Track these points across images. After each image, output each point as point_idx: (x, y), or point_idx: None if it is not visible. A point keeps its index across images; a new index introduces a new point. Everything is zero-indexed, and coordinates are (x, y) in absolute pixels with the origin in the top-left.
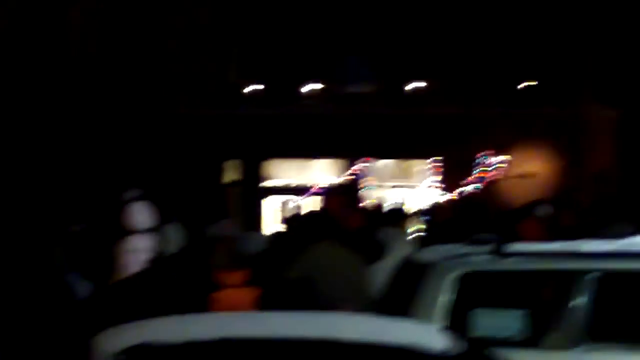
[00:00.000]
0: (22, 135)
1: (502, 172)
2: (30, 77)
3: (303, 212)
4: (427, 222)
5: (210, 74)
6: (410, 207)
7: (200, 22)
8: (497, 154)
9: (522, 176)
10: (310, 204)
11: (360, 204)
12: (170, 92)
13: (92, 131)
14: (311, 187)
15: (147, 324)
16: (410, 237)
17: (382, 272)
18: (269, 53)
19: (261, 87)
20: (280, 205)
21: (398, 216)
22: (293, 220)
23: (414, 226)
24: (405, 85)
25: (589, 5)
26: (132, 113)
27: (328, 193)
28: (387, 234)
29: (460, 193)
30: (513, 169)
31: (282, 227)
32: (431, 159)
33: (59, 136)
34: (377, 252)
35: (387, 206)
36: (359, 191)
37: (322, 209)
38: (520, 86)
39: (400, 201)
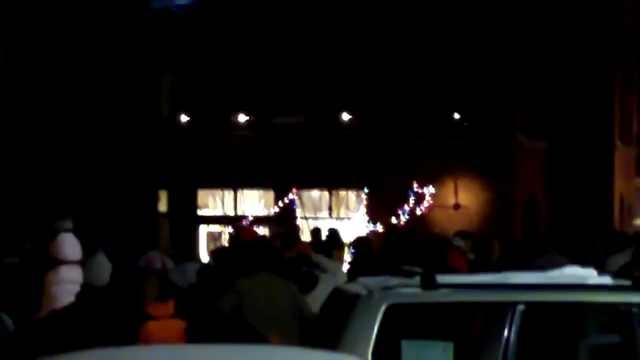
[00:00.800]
0: None
1: (432, 203)
2: None
3: (234, 242)
4: (357, 252)
5: (141, 104)
6: (341, 238)
7: (131, 54)
8: (427, 185)
9: (452, 207)
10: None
11: (292, 234)
12: (99, 122)
13: (19, 162)
14: (242, 217)
15: (75, 356)
16: (341, 267)
17: (315, 301)
18: (200, 84)
19: (191, 118)
20: (211, 235)
21: (329, 246)
22: (224, 251)
23: (345, 257)
24: (335, 116)
25: (518, 39)
26: (61, 143)
27: (259, 223)
28: (319, 264)
29: (390, 224)
30: (443, 200)
31: (213, 258)
32: (361, 190)
33: None
34: (310, 282)
35: (318, 236)
36: (290, 221)
37: (253, 239)
38: (450, 118)
39: (331, 232)
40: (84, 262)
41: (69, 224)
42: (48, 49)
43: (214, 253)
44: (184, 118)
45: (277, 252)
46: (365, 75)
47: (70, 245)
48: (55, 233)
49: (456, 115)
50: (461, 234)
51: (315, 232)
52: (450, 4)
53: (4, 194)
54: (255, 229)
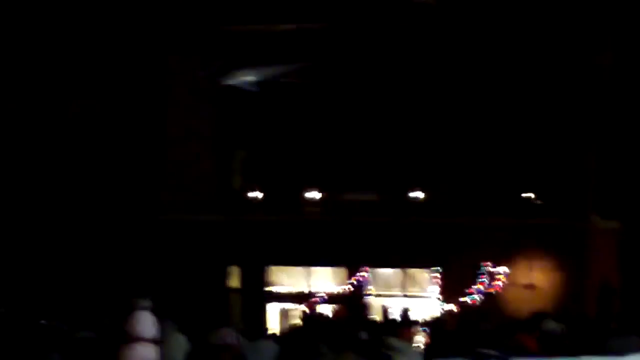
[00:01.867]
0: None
1: (503, 283)
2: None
3: (306, 320)
4: (429, 333)
5: (213, 179)
6: (412, 318)
7: (201, 131)
8: (498, 264)
9: (524, 287)
10: (313, 312)
11: (364, 314)
12: (172, 197)
13: (93, 236)
14: (313, 294)
15: None
16: (412, 347)
17: None
18: (271, 160)
19: (263, 194)
20: (283, 312)
21: (402, 326)
22: (298, 330)
23: (416, 336)
24: (406, 194)
25: (591, 117)
26: (134, 218)
27: (331, 302)
28: (392, 345)
29: (462, 303)
30: (514, 279)
31: (287, 336)
32: (432, 269)
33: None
34: None
35: (390, 316)
36: (361, 300)
37: (325, 317)
38: (522, 196)
39: (403, 311)
40: (160, 341)
41: (146, 302)
42: (122, 123)
43: (292, 330)
44: (255, 194)
45: (356, 333)
46: (436, 152)
47: (146, 324)
48: (132, 310)
49: (528, 194)
50: (551, 316)
51: (385, 310)
52: (520, 83)
53: (80, 270)
54: (327, 306)
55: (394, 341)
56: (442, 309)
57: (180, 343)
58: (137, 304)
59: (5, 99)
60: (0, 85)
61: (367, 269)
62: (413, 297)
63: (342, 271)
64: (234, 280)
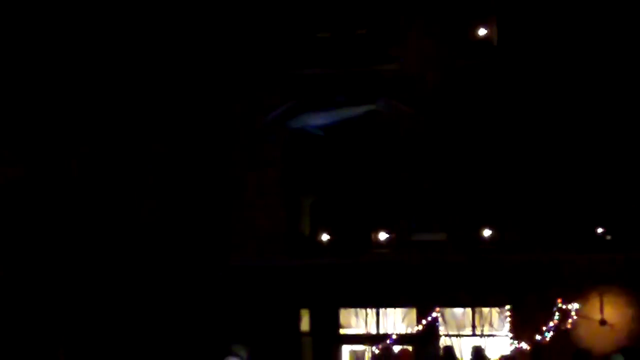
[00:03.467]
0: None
1: (576, 320)
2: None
3: None
4: None
5: (282, 223)
6: (486, 356)
7: (269, 175)
8: (570, 301)
9: (598, 323)
10: (385, 353)
11: (435, 354)
12: (242, 242)
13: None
14: (385, 336)
15: None
16: None
17: None
18: (340, 203)
19: (332, 236)
20: (354, 354)
21: None
22: None
23: None
24: (476, 232)
25: None
26: (204, 263)
27: (402, 343)
28: None
29: (535, 341)
30: (587, 316)
31: None
32: (504, 306)
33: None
34: None
35: (465, 356)
36: (433, 341)
37: (396, 358)
38: (592, 232)
39: (476, 350)
40: None
41: (242, 351)
42: (190, 169)
43: None
44: (325, 237)
45: None
46: (505, 190)
47: None
48: (226, 356)
49: (600, 229)
50: (624, 350)
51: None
52: (589, 120)
53: (153, 317)
54: (398, 347)
55: None
56: (514, 347)
57: None
58: (233, 350)
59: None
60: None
61: (438, 309)
62: (484, 336)
63: (412, 312)
64: (305, 324)
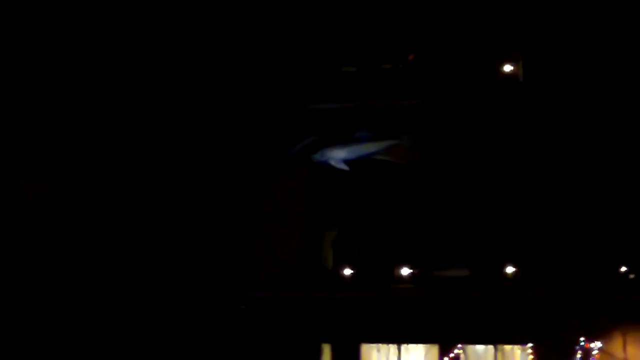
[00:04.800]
0: None
1: (600, 358)
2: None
3: None
4: None
5: (305, 257)
6: None
7: (292, 209)
8: (592, 339)
9: None
10: None
11: None
12: (264, 275)
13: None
14: None
15: None
16: None
17: None
18: (362, 237)
19: (354, 271)
20: None
21: None
22: None
23: None
24: (499, 269)
25: None
26: (226, 296)
27: None
28: None
29: None
30: (611, 354)
31: None
32: (527, 344)
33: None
34: None
35: None
36: None
37: None
38: (615, 271)
39: None
40: None
41: None
42: (215, 201)
43: None
44: (347, 271)
45: None
46: (528, 227)
47: None
48: None
49: (622, 268)
50: None
51: None
52: (613, 159)
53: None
54: None
55: None
56: None
57: None
58: None
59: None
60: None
61: (460, 345)
62: None
63: (434, 348)
64: (327, 358)
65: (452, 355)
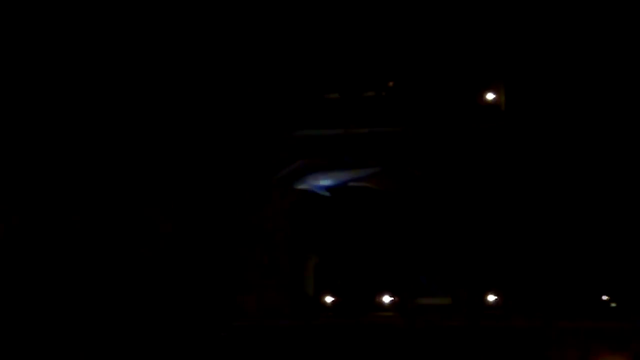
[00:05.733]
0: None
1: None
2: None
3: None
4: None
5: (287, 285)
6: None
7: (274, 235)
8: None
9: None
10: None
11: None
12: (245, 304)
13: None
14: None
15: None
16: None
17: None
18: (344, 265)
19: (336, 298)
20: None
21: None
22: None
23: None
24: (481, 297)
25: None
26: (208, 323)
27: None
28: None
29: None
30: None
31: None
32: None
33: None
34: None
35: None
36: None
37: None
38: (597, 299)
39: None
40: None
41: None
42: (196, 227)
43: None
44: (328, 298)
45: None
46: (510, 255)
47: None
48: None
49: (604, 296)
50: None
51: None
52: (593, 188)
53: None
54: None
55: None
56: None
57: None
58: None
59: None
60: None
61: None
62: None
63: None
64: None
65: None
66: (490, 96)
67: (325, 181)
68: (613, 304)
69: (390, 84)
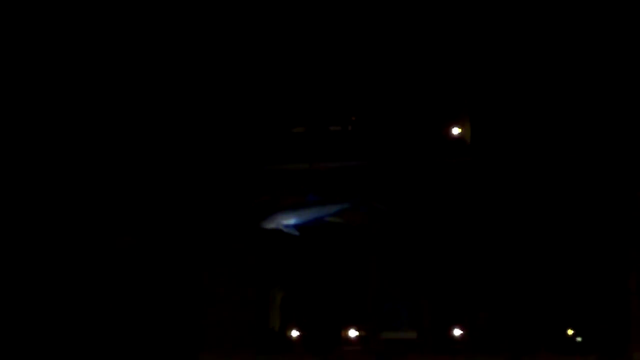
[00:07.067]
0: None
1: None
2: None
3: None
4: None
5: (252, 319)
6: None
7: (242, 271)
8: None
9: None
10: None
11: None
12: (211, 337)
13: None
14: None
15: None
16: None
17: None
18: (310, 299)
19: (302, 332)
20: None
21: None
22: None
23: None
24: (447, 331)
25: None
26: (172, 357)
27: None
28: None
29: None
30: None
31: None
32: None
33: None
34: None
35: None
36: None
37: None
38: (563, 333)
39: None
40: None
41: None
42: (159, 263)
43: None
44: (294, 333)
45: None
46: (476, 290)
47: None
48: None
49: (569, 331)
50: None
51: None
52: (559, 224)
53: None
54: None
55: None
56: None
57: None
58: None
59: None
60: None
61: None
62: None
63: None
64: None
65: None
66: (456, 130)
67: (292, 220)
68: (579, 339)
69: (353, 118)
